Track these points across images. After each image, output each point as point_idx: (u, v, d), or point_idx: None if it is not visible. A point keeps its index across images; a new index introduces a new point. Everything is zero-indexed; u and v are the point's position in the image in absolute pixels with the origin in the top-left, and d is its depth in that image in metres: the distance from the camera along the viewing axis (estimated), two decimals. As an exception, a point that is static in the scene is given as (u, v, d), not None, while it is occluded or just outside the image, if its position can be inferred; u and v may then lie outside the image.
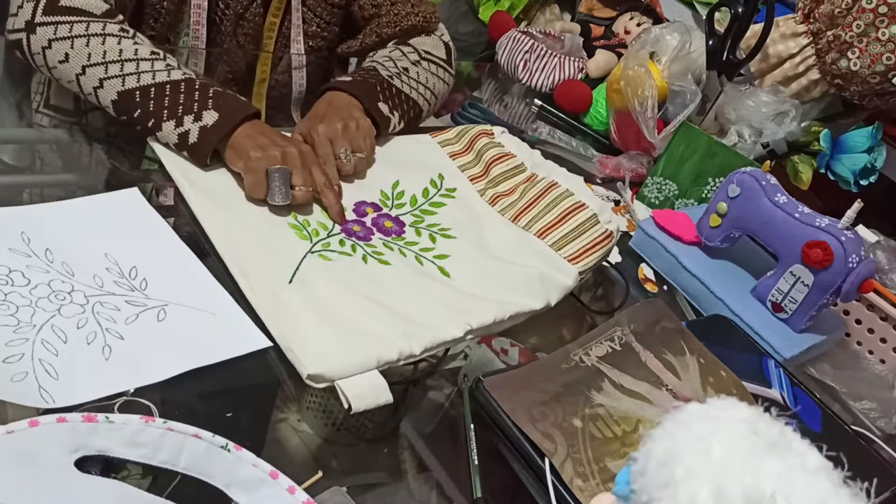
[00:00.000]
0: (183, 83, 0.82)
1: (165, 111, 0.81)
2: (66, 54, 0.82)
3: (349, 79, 0.96)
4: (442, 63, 1.08)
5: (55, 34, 0.82)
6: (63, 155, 0.86)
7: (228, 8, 0.98)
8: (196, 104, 0.81)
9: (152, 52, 0.84)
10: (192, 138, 0.81)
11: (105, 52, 0.82)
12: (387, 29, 1.07)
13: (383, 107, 0.95)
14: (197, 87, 0.82)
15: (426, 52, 1.06)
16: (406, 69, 1.02)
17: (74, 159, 0.86)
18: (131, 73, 0.82)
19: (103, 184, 0.81)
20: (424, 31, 1.09)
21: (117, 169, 0.85)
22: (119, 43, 0.83)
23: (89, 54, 0.82)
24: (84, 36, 0.82)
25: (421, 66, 1.04)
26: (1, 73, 0.95)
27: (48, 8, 0.82)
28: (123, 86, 0.81)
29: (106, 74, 0.82)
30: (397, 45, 1.06)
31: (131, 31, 0.85)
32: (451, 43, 1.12)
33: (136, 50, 0.83)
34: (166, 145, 0.83)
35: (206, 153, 0.81)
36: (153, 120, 0.81)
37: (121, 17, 0.87)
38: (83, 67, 0.82)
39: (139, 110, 0.82)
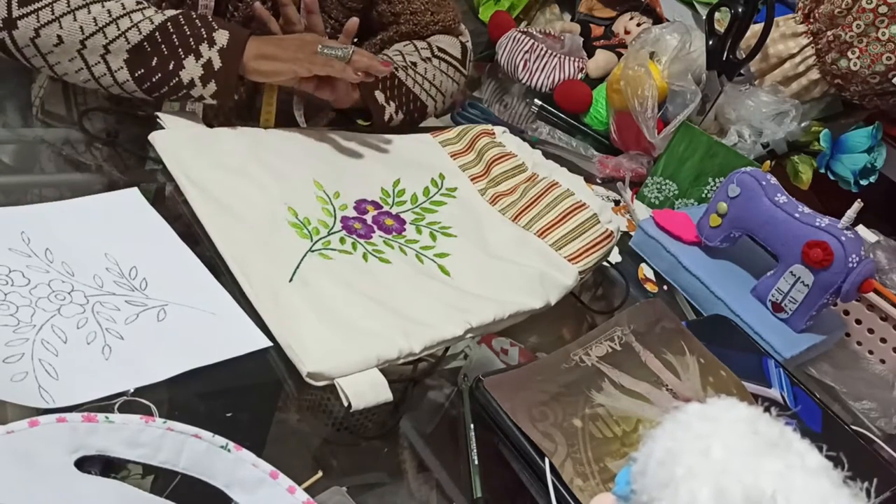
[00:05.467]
0: (181, 16, 0.83)
1: (180, 49, 0.82)
2: (59, 36, 0.80)
3: None
4: (454, 62, 1.08)
5: (39, 21, 0.80)
6: (63, 155, 0.86)
7: (238, 10, 0.97)
8: (203, 30, 0.83)
9: (137, 2, 0.84)
10: (216, 64, 0.83)
11: (95, 18, 0.81)
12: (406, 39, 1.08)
13: (379, 95, 0.96)
14: (195, 16, 0.84)
15: (439, 49, 1.06)
16: (414, 64, 1.02)
17: (74, 159, 0.86)
18: (130, 28, 0.81)
19: (103, 184, 0.81)
20: (444, 34, 1.10)
21: (117, 169, 0.85)
22: (103, 6, 0.82)
23: (81, 27, 0.81)
24: (68, 12, 0.80)
25: (431, 62, 1.04)
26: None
27: None
28: (129, 42, 0.81)
29: (107, 39, 0.81)
30: (412, 40, 1.07)
31: None
32: (469, 44, 1.12)
33: (123, 4, 0.83)
34: (190, 84, 0.83)
35: (234, 75, 0.83)
36: (173, 62, 0.82)
37: None
38: (82, 42, 0.81)
39: (155, 58, 0.82)
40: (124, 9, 0.82)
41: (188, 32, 0.83)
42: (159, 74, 0.83)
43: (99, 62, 0.82)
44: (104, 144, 0.87)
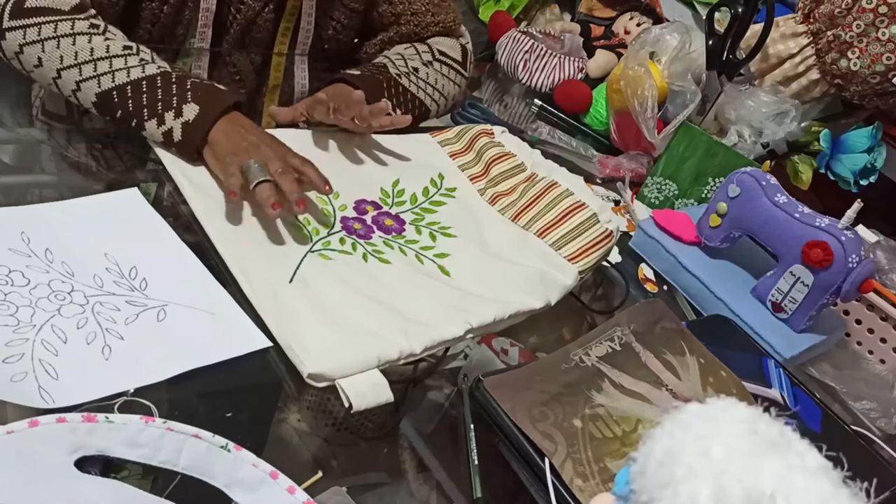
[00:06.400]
0: (159, 77, 0.81)
1: (145, 110, 0.80)
2: (39, 58, 0.80)
3: (357, 72, 0.97)
4: (455, 65, 1.08)
5: (24, 38, 0.80)
6: (63, 155, 0.86)
7: (240, 13, 0.97)
8: (175, 98, 0.80)
9: (125, 47, 0.82)
10: (176, 136, 0.80)
11: (77, 52, 0.80)
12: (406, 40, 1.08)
13: (387, 104, 0.95)
14: (174, 80, 0.81)
15: (440, 53, 1.06)
16: (416, 69, 1.02)
17: (74, 160, 0.86)
18: (105, 73, 0.80)
19: (103, 184, 0.81)
20: (444, 36, 1.10)
21: (117, 169, 0.85)
22: (90, 41, 0.81)
23: (61, 57, 0.80)
24: (53, 38, 0.80)
25: (432, 66, 1.05)
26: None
27: (14, 11, 0.80)
28: (100, 87, 0.80)
29: (81, 76, 0.80)
30: (413, 42, 1.07)
31: (102, 26, 0.83)
32: (469, 46, 1.13)
33: (108, 46, 0.81)
34: (151, 142, 0.82)
35: (193, 149, 0.81)
36: (135, 120, 0.81)
37: (92, 10, 0.85)
38: (58, 71, 0.80)
39: (120, 111, 0.81)
40: (107, 52, 0.81)
41: (159, 96, 0.80)
42: (124, 126, 0.82)
43: (70, 95, 0.82)
44: (104, 144, 0.87)
